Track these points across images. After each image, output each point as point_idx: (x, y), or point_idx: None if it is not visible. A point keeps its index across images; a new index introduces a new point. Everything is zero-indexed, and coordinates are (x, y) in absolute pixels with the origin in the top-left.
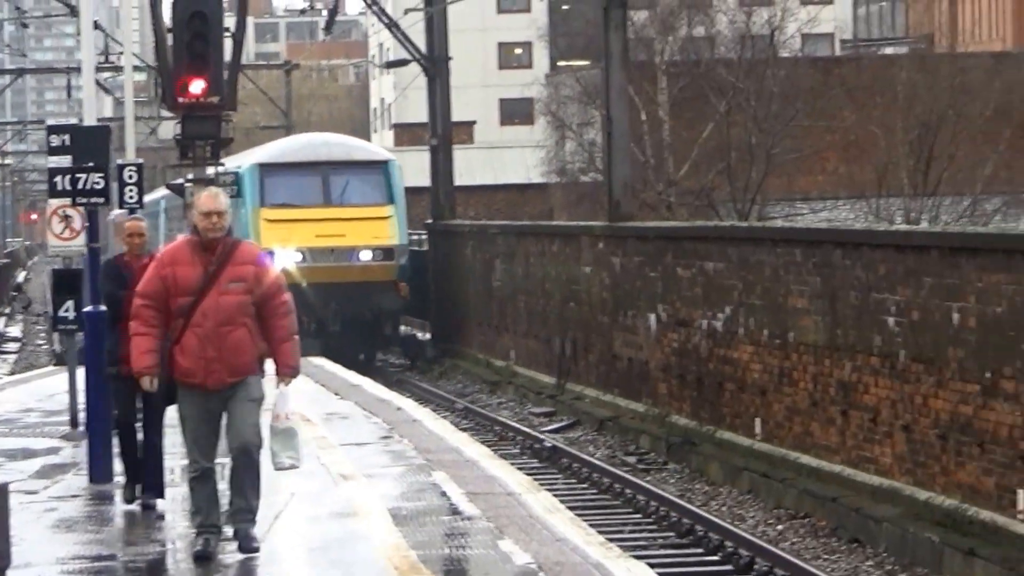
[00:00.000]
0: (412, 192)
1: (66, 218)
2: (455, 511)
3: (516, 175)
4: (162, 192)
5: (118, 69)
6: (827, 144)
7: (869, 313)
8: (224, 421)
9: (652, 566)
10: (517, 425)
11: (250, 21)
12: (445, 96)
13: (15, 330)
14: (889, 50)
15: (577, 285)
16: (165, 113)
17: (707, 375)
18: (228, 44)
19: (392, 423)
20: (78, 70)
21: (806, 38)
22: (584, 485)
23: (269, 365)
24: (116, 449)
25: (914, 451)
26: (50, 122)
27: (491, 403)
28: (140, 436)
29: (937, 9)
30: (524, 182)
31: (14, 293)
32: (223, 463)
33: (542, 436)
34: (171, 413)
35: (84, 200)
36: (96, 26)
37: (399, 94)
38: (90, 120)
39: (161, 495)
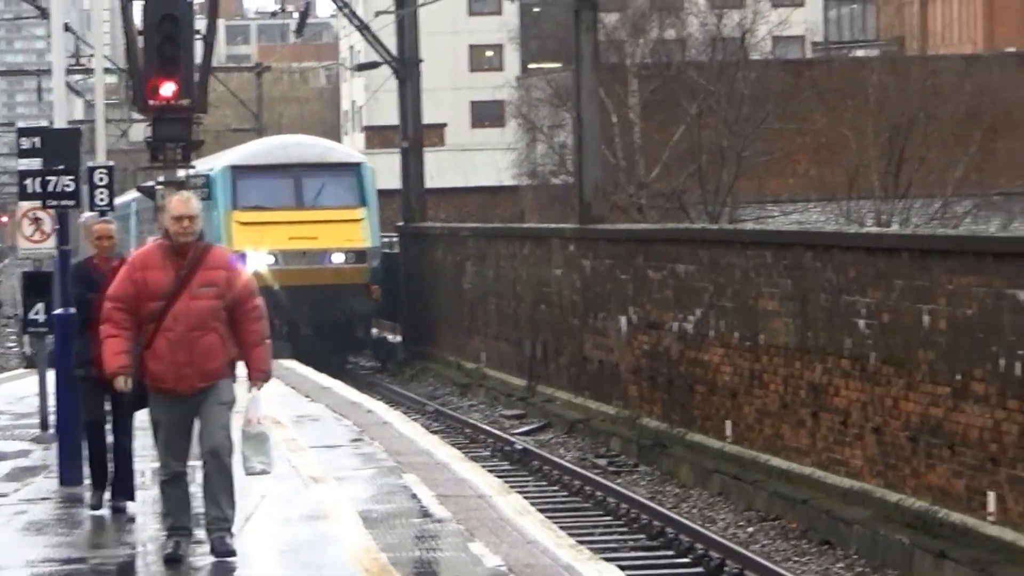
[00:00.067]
0: (383, 195)
1: (36, 220)
2: (425, 514)
3: (487, 177)
4: (133, 195)
5: (89, 72)
6: (798, 147)
7: (840, 315)
8: (196, 425)
9: (623, 568)
10: (488, 428)
11: (221, 23)
12: (416, 98)
13: None
14: (860, 53)
15: (548, 288)
16: (136, 116)
17: (678, 377)
18: (199, 46)
19: (363, 426)
20: (49, 72)
21: (777, 40)
22: (555, 487)
23: (241, 368)
24: (85, 452)
25: (884, 453)
26: (20, 125)
27: (462, 406)
28: (109, 439)
29: (908, 12)
30: (495, 184)
31: None
32: (195, 465)
33: (513, 439)
34: (141, 414)
35: (54, 203)
36: (67, 28)
37: (370, 97)
38: (61, 123)
39: (131, 497)
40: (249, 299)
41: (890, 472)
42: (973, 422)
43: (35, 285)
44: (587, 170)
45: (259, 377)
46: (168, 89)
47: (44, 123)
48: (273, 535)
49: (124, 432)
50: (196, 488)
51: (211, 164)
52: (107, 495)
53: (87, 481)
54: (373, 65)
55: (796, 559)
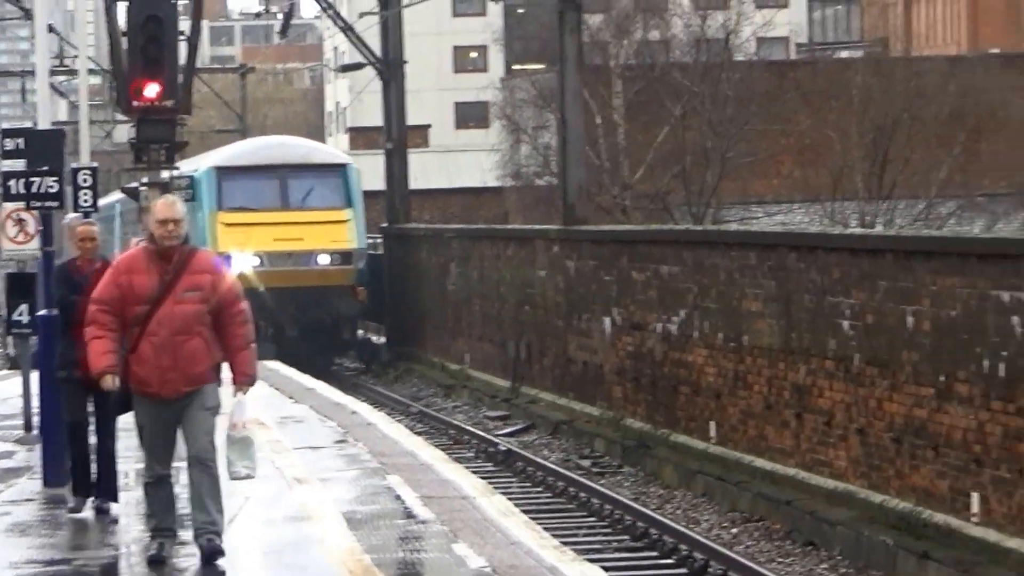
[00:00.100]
0: (367, 196)
1: (20, 222)
2: (409, 515)
3: (471, 179)
4: (117, 196)
5: (73, 73)
6: (782, 148)
7: (824, 316)
8: (180, 429)
9: (607, 569)
10: (472, 429)
11: (205, 25)
12: (400, 100)
13: None
14: (844, 54)
15: (532, 289)
16: (120, 117)
17: (662, 378)
18: (183, 47)
19: (347, 427)
20: (32, 73)
21: (761, 42)
22: (539, 489)
23: (225, 371)
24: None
25: (868, 454)
26: (4, 126)
27: (446, 407)
28: (92, 440)
29: (892, 13)
30: (479, 186)
31: None
32: (179, 466)
33: (497, 440)
34: (124, 415)
35: (38, 204)
36: (51, 29)
37: (354, 98)
38: (44, 124)
39: (115, 499)
40: (234, 303)
41: (874, 473)
42: (957, 423)
43: (19, 286)
44: (571, 171)
45: (244, 381)
46: (152, 90)
47: (28, 124)
48: (257, 536)
49: (107, 434)
50: (180, 489)
51: (196, 165)
52: (90, 497)
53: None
54: (357, 66)
55: (780, 560)
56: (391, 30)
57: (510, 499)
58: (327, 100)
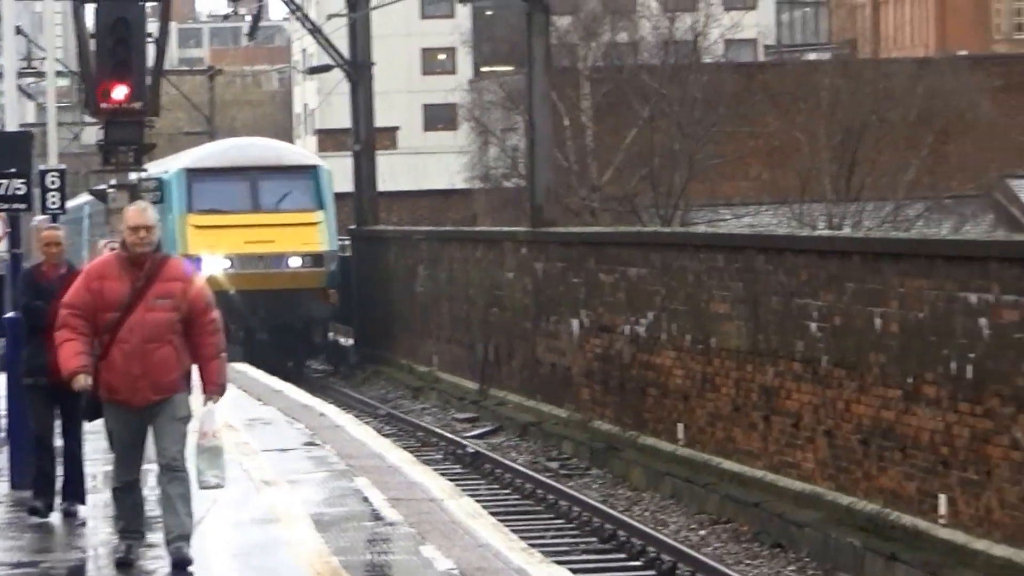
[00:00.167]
0: (335, 198)
1: None
2: (377, 517)
3: (439, 181)
4: (85, 198)
5: (41, 75)
6: (750, 150)
7: (791, 318)
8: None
9: (574, 572)
10: (440, 431)
11: (173, 27)
12: (368, 102)
13: None
14: (812, 56)
15: (500, 291)
16: (88, 119)
17: (630, 381)
18: (151, 50)
19: (315, 429)
20: (0, 75)
21: (729, 44)
22: (507, 491)
23: (195, 378)
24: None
25: (836, 456)
26: None
27: (414, 409)
28: (59, 443)
29: (860, 15)
30: (447, 188)
31: None
32: (148, 469)
33: (465, 442)
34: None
35: (6, 206)
36: (18, 31)
37: (322, 100)
38: (12, 126)
39: (82, 501)
40: (205, 312)
41: (842, 475)
42: (924, 425)
43: None
44: (539, 173)
45: (214, 391)
46: (120, 92)
47: None
48: (226, 539)
49: (74, 437)
50: (148, 491)
51: (165, 167)
52: (58, 500)
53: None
54: (325, 68)
55: (748, 562)
56: (359, 32)
57: (478, 501)
58: (295, 102)
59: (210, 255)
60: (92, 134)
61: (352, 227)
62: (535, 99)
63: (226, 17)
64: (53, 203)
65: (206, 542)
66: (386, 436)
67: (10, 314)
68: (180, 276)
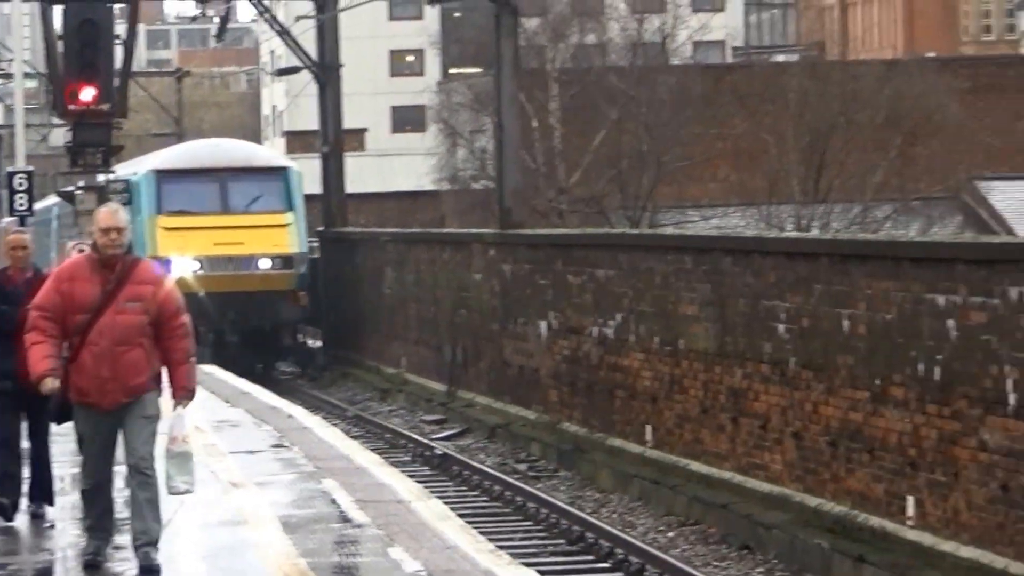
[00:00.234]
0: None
1: None
2: (345, 519)
3: (407, 182)
4: (54, 199)
5: (8, 76)
6: (718, 151)
7: (759, 320)
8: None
9: (542, 574)
10: (408, 433)
11: (141, 28)
12: (336, 103)
13: None
14: (780, 58)
15: (468, 292)
16: (56, 120)
17: (598, 382)
18: (119, 51)
19: (283, 431)
20: None
21: (697, 45)
22: (475, 493)
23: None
24: None
25: (804, 458)
26: None
27: (382, 411)
28: (26, 445)
29: (828, 17)
30: (415, 189)
31: None
32: (117, 470)
33: (433, 444)
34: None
35: None
36: None
37: (290, 101)
38: None
39: (51, 502)
40: (175, 316)
41: (809, 477)
42: (892, 427)
43: None
44: (507, 175)
45: (183, 395)
46: (88, 94)
47: None
48: (194, 540)
49: (41, 440)
50: (117, 493)
51: (134, 168)
52: (25, 502)
53: None
54: (293, 70)
55: (716, 564)
56: (327, 34)
57: (446, 503)
58: (263, 104)
59: (179, 257)
60: (60, 136)
61: (320, 229)
62: (503, 101)
63: (194, 19)
64: (21, 205)
65: (174, 544)
66: (354, 438)
67: None
68: (151, 279)
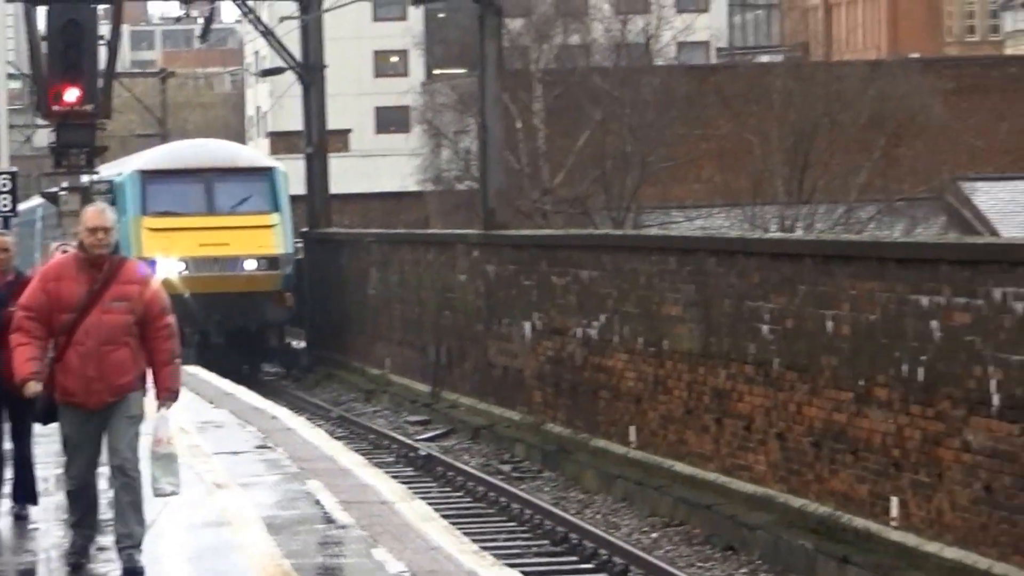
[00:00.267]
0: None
1: None
2: (329, 520)
3: (392, 183)
4: (38, 200)
5: None
6: (702, 152)
7: (743, 321)
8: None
9: (526, 574)
10: (392, 434)
11: (125, 29)
12: (320, 104)
13: None
14: (765, 58)
15: (452, 293)
16: (40, 121)
17: (582, 383)
18: (103, 52)
19: (267, 432)
20: None
21: (682, 46)
22: (459, 494)
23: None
24: None
25: (788, 459)
26: None
27: (366, 412)
28: (8, 446)
29: (812, 18)
30: (400, 190)
31: None
32: (102, 472)
33: (417, 444)
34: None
35: None
36: None
37: (275, 102)
38: None
39: (34, 502)
40: (161, 317)
41: (793, 478)
42: (876, 427)
43: None
44: (491, 176)
45: (168, 397)
46: (72, 95)
47: None
48: (178, 542)
49: (24, 440)
50: (101, 493)
51: (118, 169)
52: (9, 503)
53: None
54: (278, 71)
55: (700, 565)
56: (311, 34)
57: (430, 504)
58: (248, 104)
59: (165, 258)
60: (44, 137)
61: (304, 229)
62: (487, 102)
63: (178, 19)
64: (4, 206)
65: (158, 545)
66: (338, 439)
67: None
68: (137, 279)
